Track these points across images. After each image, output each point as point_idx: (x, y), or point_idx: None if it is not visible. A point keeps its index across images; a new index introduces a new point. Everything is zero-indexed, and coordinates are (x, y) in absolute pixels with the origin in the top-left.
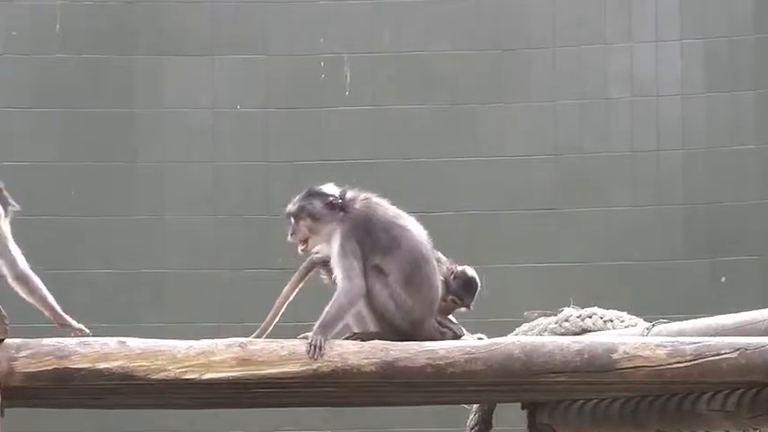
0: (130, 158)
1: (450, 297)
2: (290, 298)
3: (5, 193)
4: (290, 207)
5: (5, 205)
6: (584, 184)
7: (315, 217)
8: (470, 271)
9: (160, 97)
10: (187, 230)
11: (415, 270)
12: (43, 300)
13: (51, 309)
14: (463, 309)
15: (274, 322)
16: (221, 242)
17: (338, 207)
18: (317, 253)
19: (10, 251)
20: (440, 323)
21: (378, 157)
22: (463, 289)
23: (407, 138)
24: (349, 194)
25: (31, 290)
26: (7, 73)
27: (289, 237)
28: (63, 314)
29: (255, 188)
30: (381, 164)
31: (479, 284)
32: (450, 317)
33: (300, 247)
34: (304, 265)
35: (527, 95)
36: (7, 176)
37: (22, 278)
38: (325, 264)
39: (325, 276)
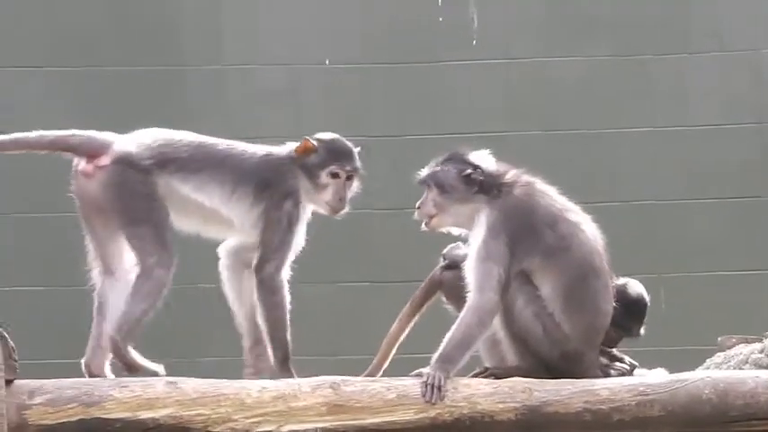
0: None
1: (612, 328)
2: (403, 335)
3: None
4: (422, 172)
5: None
6: None
7: (444, 189)
8: (635, 287)
9: (221, 50)
10: None
11: (581, 284)
12: None
13: None
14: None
15: (384, 366)
16: (305, 245)
17: (479, 184)
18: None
19: None
20: (611, 359)
21: (512, 128)
22: (626, 314)
23: (555, 102)
24: (510, 174)
25: None
26: (14, 23)
27: (416, 211)
28: None
29: None
30: (519, 137)
31: (648, 303)
32: (616, 351)
33: (423, 224)
34: (422, 287)
35: (718, 42)
36: (23, 157)
37: None
38: (450, 291)
39: (449, 306)
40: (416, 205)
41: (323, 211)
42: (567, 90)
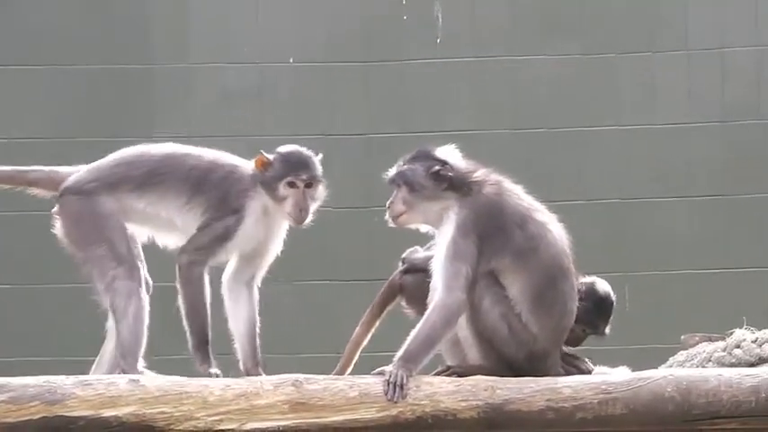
0: (147, 131)
1: (579, 327)
2: (365, 341)
3: None
4: (390, 171)
5: None
6: (764, 160)
7: (413, 187)
8: (602, 285)
9: (187, 49)
10: None
11: (550, 286)
12: None
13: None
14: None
15: (348, 371)
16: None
17: (448, 180)
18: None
19: None
20: (565, 360)
21: (480, 126)
22: (594, 312)
23: (520, 100)
24: (478, 172)
25: None
26: None
27: (386, 211)
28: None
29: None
30: (484, 135)
31: (614, 302)
32: (572, 352)
33: (391, 222)
34: (382, 291)
35: (684, 41)
36: None
37: None
38: (410, 295)
39: (409, 310)
40: (386, 204)
41: (288, 222)
42: (533, 88)
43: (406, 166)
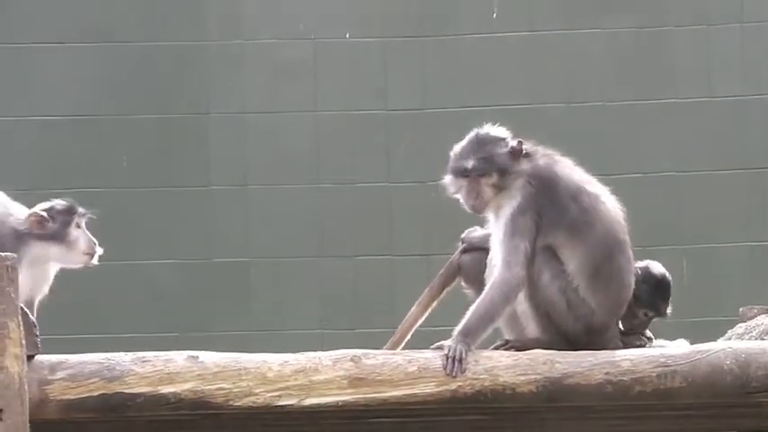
0: (202, 107)
1: (643, 311)
2: (421, 320)
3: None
4: (465, 162)
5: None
6: None
7: (503, 172)
8: (656, 267)
9: (240, 25)
10: (279, 204)
11: (606, 259)
12: None
13: None
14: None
15: (402, 345)
16: (326, 219)
17: (519, 156)
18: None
19: None
20: (624, 333)
21: (535, 100)
22: (653, 294)
23: (575, 74)
24: (529, 147)
25: None
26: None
27: (465, 203)
28: None
29: (371, 146)
30: (539, 110)
31: (671, 282)
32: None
33: (477, 212)
34: (442, 271)
35: (739, 13)
36: (33, 135)
37: None
38: (468, 274)
39: (468, 290)
40: (465, 200)
41: (76, 264)
42: (588, 63)
43: (485, 153)
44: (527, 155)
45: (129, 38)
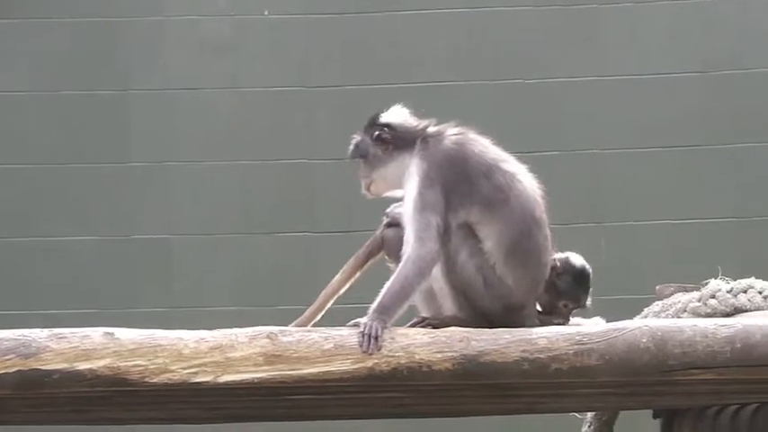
0: (122, 84)
1: (563, 302)
2: (343, 289)
3: None
4: (350, 145)
5: None
6: (743, 111)
7: (367, 158)
8: (576, 259)
9: (162, 1)
10: (200, 181)
11: (524, 237)
12: None
13: None
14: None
15: (318, 317)
16: (246, 197)
17: (392, 142)
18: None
19: None
20: (541, 319)
21: (456, 78)
22: (574, 285)
23: (495, 50)
24: (435, 127)
25: None
26: None
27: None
28: None
29: (293, 123)
30: (463, 87)
31: (591, 273)
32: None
33: (367, 196)
34: (365, 246)
35: None
36: None
37: None
38: (391, 249)
39: (391, 265)
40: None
41: None
42: (513, 39)
43: (357, 139)
44: (429, 134)
45: (49, 14)
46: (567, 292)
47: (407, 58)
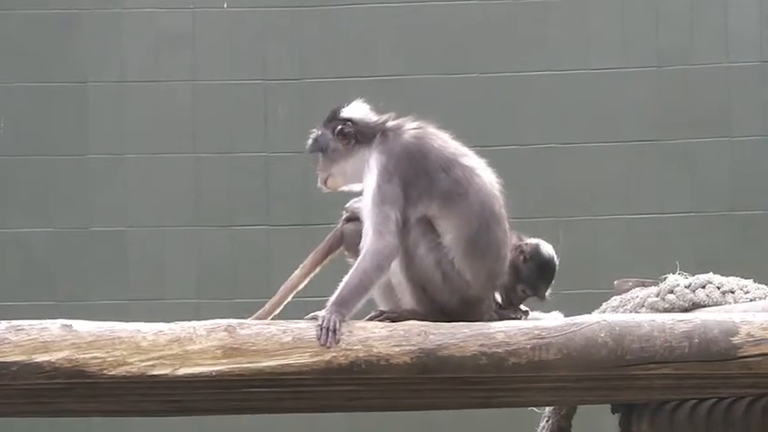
0: (80, 75)
1: (521, 287)
2: (303, 284)
3: None
4: (308, 139)
5: None
6: (697, 106)
7: (326, 152)
8: (546, 248)
9: None
10: (157, 173)
11: (482, 231)
12: None
13: None
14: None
15: (277, 311)
16: (204, 188)
17: (353, 136)
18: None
19: None
20: (499, 313)
21: (410, 71)
22: (537, 274)
23: (451, 45)
24: (394, 121)
25: None
26: None
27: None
28: None
29: (250, 115)
30: (420, 81)
31: (557, 266)
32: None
33: (323, 189)
34: (325, 241)
35: None
36: None
37: None
38: (350, 243)
39: (351, 259)
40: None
41: None
42: (464, 33)
43: (317, 133)
44: (389, 128)
45: (7, 5)
46: (527, 279)
47: (365, 52)
